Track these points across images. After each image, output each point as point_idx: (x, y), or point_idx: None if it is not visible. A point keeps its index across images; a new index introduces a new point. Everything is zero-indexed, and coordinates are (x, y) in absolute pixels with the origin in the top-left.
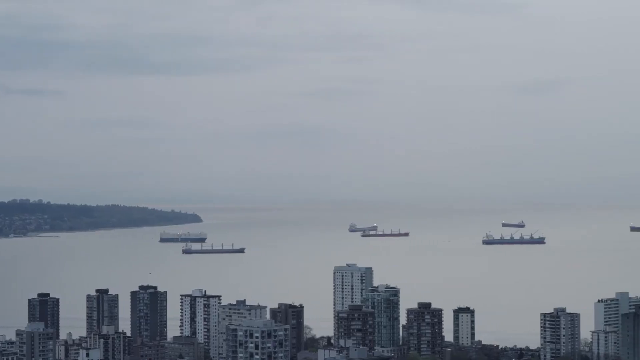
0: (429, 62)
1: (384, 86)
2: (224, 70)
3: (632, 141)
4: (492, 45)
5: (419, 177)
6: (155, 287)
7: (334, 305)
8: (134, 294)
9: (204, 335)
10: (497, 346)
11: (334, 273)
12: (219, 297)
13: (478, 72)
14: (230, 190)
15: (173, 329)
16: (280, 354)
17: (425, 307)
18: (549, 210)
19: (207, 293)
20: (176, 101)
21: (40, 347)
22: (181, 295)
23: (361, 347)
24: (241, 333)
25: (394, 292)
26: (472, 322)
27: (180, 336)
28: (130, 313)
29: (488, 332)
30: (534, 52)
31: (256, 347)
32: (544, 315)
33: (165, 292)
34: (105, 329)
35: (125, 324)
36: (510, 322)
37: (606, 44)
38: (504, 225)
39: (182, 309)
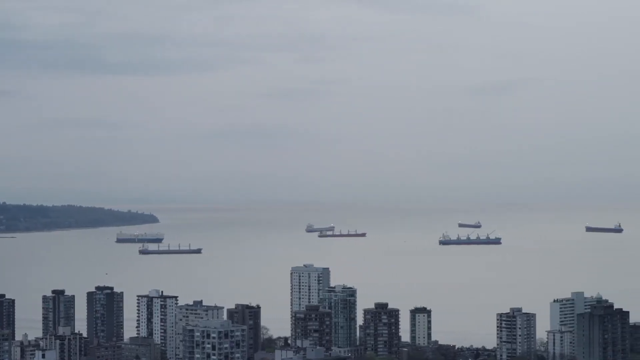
0: (387, 62)
1: (343, 87)
2: (183, 71)
3: (587, 143)
4: (449, 46)
5: (377, 177)
6: (111, 288)
7: (291, 305)
8: (90, 295)
9: (161, 336)
10: (454, 346)
11: (291, 273)
12: (175, 297)
13: (435, 73)
14: (188, 191)
15: (130, 330)
16: (238, 355)
17: (382, 307)
18: (505, 210)
19: (164, 294)
20: (134, 101)
21: None
22: (138, 296)
23: (318, 347)
24: (198, 334)
25: (351, 293)
26: (429, 322)
27: (137, 337)
28: (86, 314)
29: (445, 332)
30: (490, 53)
31: (213, 348)
32: (500, 315)
33: (122, 292)
34: (61, 330)
35: (81, 325)
36: (466, 322)
37: (562, 45)
38: (461, 225)
39: (138, 310)
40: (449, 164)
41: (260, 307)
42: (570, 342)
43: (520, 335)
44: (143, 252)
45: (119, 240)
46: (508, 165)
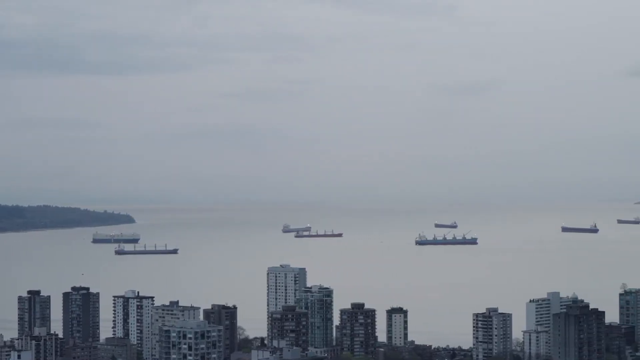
0: (363, 63)
1: (319, 87)
2: (159, 70)
3: (563, 144)
4: (426, 47)
5: (353, 178)
6: (87, 289)
7: (268, 306)
8: (66, 295)
9: (137, 336)
10: (430, 346)
11: (268, 274)
12: (152, 298)
13: (412, 73)
14: (164, 191)
15: (106, 331)
16: (214, 355)
17: (358, 307)
18: (481, 211)
19: (140, 294)
20: (110, 101)
21: None
22: (114, 297)
23: (294, 347)
24: (174, 334)
25: (327, 293)
26: (405, 322)
27: (113, 337)
28: (62, 314)
29: (421, 332)
30: (467, 53)
31: (189, 348)
32: (477, 315)
33: (98, 293)
34: (37, 331)
35: (57, 326)
36: (443, 322)
37: (537, 47)
38: (437, 225)
39: (114, 310)
40: (425, 164)
41: (236, 308)
42: (546, 342)
43: (496, 335)
44: (119, 252)
45: (95, 241)
46: (484, 165)
